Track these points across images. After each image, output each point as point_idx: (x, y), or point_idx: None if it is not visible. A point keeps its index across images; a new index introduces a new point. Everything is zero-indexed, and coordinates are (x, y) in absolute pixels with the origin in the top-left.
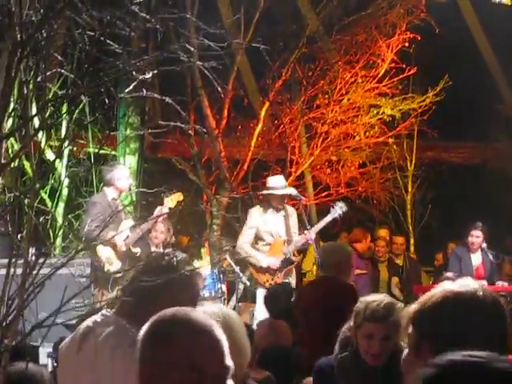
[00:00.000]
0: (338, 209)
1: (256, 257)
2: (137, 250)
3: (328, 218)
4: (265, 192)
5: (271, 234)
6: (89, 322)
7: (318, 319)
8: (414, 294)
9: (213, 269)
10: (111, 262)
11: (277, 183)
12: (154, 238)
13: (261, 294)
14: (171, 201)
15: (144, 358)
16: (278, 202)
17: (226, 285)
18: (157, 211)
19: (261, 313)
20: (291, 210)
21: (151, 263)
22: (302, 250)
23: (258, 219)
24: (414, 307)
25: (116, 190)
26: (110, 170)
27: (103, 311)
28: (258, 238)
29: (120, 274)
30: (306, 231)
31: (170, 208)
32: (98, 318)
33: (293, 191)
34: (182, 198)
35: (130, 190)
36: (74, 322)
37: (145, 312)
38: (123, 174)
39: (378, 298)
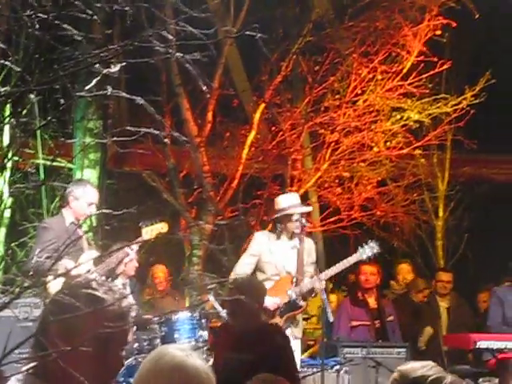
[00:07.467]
0: (368, 249)
1: None
2: None
3: (351, 260)
4: (279, 214)
5: (276, 266)
6: None
7: None
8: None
9: (192, 312)
10: None
11: (292, 200)
12: (129, 269)
13: None
14: (151, 232)
15: None
16: (297, 225)
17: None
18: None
19: None
20: (310, 243)
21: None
22: None
23: (263, 246)
24: None
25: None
26: (73, 187)
27: None
28: (257, 269)
29: None
30: (316, 274)
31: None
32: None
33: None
34: (166, 229)
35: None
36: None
37: None
38: (86, 195)
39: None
